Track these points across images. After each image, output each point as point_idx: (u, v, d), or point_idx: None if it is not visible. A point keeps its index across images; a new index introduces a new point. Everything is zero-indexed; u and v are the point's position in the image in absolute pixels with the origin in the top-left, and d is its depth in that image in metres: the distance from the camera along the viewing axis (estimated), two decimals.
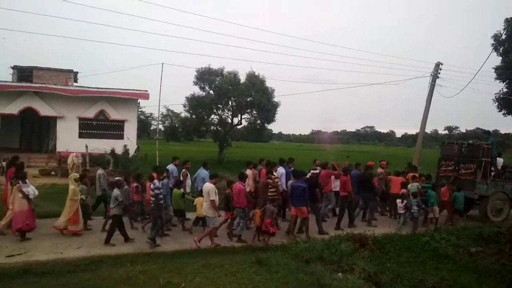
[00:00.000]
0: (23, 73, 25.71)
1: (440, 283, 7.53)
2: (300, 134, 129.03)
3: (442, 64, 22.52)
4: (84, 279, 6.67)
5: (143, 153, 23.30)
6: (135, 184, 10.63)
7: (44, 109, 21.43)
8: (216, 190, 9.39)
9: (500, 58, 32.53)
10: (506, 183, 13.68)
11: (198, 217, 10.19)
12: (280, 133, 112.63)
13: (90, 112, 22.12)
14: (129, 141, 21.69)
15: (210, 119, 30.93)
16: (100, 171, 11.39)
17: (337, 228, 11.12)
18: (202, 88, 29.78)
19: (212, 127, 31.76)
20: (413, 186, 12.08)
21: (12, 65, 26.13)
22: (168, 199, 10.03)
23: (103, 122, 22.50)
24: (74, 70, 27.59)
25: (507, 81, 32.20)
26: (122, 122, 22.74)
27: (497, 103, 34.07)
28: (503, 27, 31.48)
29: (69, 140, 21.00)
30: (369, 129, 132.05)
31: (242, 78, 29.14)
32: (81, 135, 21.87)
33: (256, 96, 28.34)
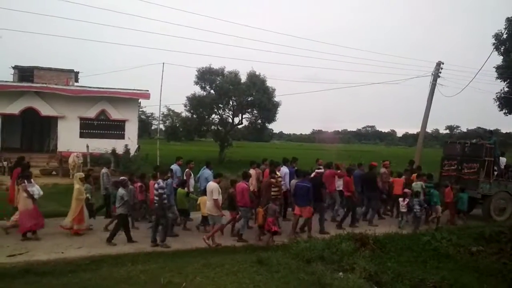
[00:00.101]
0: (24, 73, 25.76)
1: (441, 282, 7.54)
2: (301, 134, 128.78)
3: (443, 64, 22.47)
4: (85, 279, 6.68)
5: (144, 153, 23.31)
6: (139, 184, 10.66)
7: (45, 109, 21.47)
8: (220, 190, 9.43)
9: (501, 57, 32.44)
10: (509, 183, 13.69)
11: (204, 216, 10.22)
12: (281, 132, 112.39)
13: (91, 112, 22.15)
14: (130, 140, 21.71)
15: (211, 118, 30.93)
16: (104, 170, 11.50)
17: (338, 227, 11.14)
18: (203, 88, 29.78)
19: (213, 127, 31.76)
20: (417, 185, 12.06)
21: (13, 65, 26.21)
22: (172, 199, 10.06)
23: (104, 122, 22.53)
24: (75, 70, 27.65)
25: (508, 80, 32.12)
26: (123, 122, 22.77)
27: (498, 103, 33.98)
28: (504, 26, 31.41)
29: (70, 140, 21.05)
30: (370, 128, 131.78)
31: (243, 78, 29.16)
32: (82, 135, 21.91)
33: (257, 96, 28.33)
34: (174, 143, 42.40)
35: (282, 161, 12.32)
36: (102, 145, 20.25)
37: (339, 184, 12.22)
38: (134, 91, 22.87)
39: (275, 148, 57.18)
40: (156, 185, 9.29)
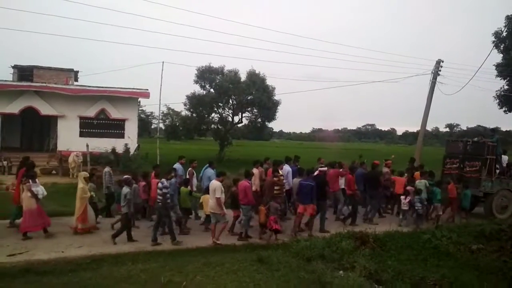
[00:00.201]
0: (24, 73, 25.73)
1: (441, 280, 7.53)
2: (301, 132, 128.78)
3: (443, 62, 22.48)
4: (85, 278, 6.68)
5: (144, 152, 23.31)
6: (143, 183, 10.67)
7: (45, 108, 21.44)
8: (223, 188, 9.44)
9: (501, 55, 32.46)
10: (511, 181, 13.72)
11: (207, 215, 10.25)
12: (280, 131, 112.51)
13: (91, 111, 22.12)
14: (130, 140, 21.69)
15: (210, 117, 30.91)
16: (106, 169, 11.59)
17: (343, 222, 11.41)
18: (202, 87, 29.76)
19: (212, 126, 31.75)
20: (421, 183, 12.05)
21: (12, 65, 26.18)
22: (175, 198, 10.06)
23: (103, 121, 22.49)
24: (75, 69, 27.62)
25: (508, 78, 32.14)
26: (122, 121, 22.74)
27: (498, 100, 34.03)
28: (503, 24, 31.41)
29: (70, 139, 21.02)
30: (370, 127, 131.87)
31: (243, 77, 29.14)
32: (82, 134, 21.86)
33: (256, 95, 28.32)
34: (174, 142, 42.38)
35: (285, 160, 12.32)
36: (102, 144, 20.22)
37: (341, 182, 12.26)
38: (134, 90, 22.84)
39: (275, 146, 57.20)
40: (159, 185, 9.29)
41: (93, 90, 22.06)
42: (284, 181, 11.17)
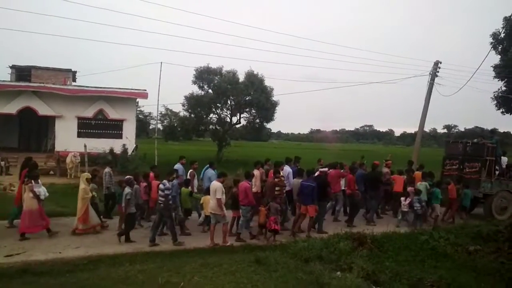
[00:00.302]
0: (22, 73, 25.70)
1: (438, 281, 7.54)
2: (299, 133, 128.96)
3: (441, 63, 22.49)
4: (82, 279, 6.66)
5: (142, 153, 23.29)
6: (144, 184, 10.66)
7: (43, 109, 21.41)
8: (224, 189, 9.44)
9: (499, 56, 32.50)
10: (511, 182, 13.79)
11: (207, 216, 10.24)
12: (279, 132, 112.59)
13: (89, 112, 22.10)
14: (128, 140, 21.69)
15: (209, 118, 30.90)
16: (107, 170, 11.59)
17: (349, 224, 11.42)
18: (201, 87, 29.77)
19: (211, 126, 31.73)
20: (421, 185, 12.08)
21: (10, 65, 26.19)
22: (178, 200, 10.05)
23: (101, 122, 22.47)
24: (73, 70, 27.60)
25: (505, 79, 32.19)
26: (121, 121, 22.73)
27: (495, 102, 34.08)
28: (501, 26, 31.48)
29: (67, 139, 20.98)
30: (368, 128, 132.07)
31: (241, 77, 29.14)
32: (79, 135, 21.85)
33: (255, 95, 28.33)
34: (172, 143, 42.38)
35: (285, 161, 12.33)
36: (100, 145, 20.21)
37: (341, 183, 12.28)
38: (132, 91, 22.83)
39: (273, 147, 57.19)
40: (161, 186, 9.27)
41: (91, 91, 22.04)
42: (285, 182, 11.18)
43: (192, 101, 29.15)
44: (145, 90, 23.11)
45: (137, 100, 24.92)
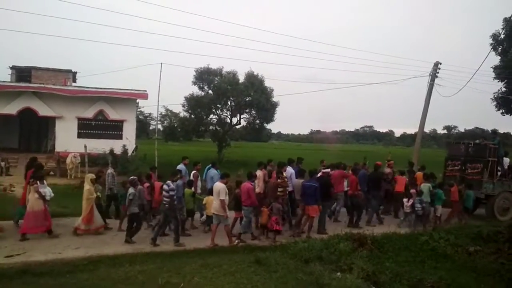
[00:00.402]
0: (22, 73, 25.71)
1: (438, 282, 7.55)
2: (299, 134, 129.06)
3: (441, 64, 22.48)
4: (82, 279, 6.66)
5: (142, 153, 23.29)
6: (147, 184, 10.67)
7: (43, 109, 21.42)
8: (227, 190, 9.44)
9: (499, 57, 32.55)
10: None
11: (209, 216, 10.23)
12: (279, 132, 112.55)
13: (89, 112, 22.11)
14: (128, 141, 21.70)
15: (209, 119, 30.96)
16: (109, 170, 11.58)
17: (356, 226, 11.36)
18: (201, 88, 29.81)
19: (211, 127, 31.78)
20: (425, 187, 12.06)
21: (10, 65, 26.18)
22: (182, 201, 10.04)
23: (102, 122, 22.50)
24: (73, 70, 27.59)
25: (505, 80, 32.21)
26: (121, 122, 22.74)
27: (495, 103, 34.10)
28: (501, 27, 31.53)
29: (68, 140, 21.00)
30: (368, 128, 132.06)
31: (241, 78, 29.22)
32: (80, 135, 21.87)
33: (255, 96, 28.36)
34: (172, 143, 42.37)
35: (288, 162, 12.32)
36: (100, 146, 20.21)
37: (344, 184, 12.28)
38: (132, 91, 22.84)
39: (274, 148, 57.22)
40: (165, 187, 9.23)
41: (91, 91, 22.05)
42: (288, 182, 11.17)
43: (192, 102, 29.18)
44: (145, 90, 23.13)
45: (137, 100, 24.94)
